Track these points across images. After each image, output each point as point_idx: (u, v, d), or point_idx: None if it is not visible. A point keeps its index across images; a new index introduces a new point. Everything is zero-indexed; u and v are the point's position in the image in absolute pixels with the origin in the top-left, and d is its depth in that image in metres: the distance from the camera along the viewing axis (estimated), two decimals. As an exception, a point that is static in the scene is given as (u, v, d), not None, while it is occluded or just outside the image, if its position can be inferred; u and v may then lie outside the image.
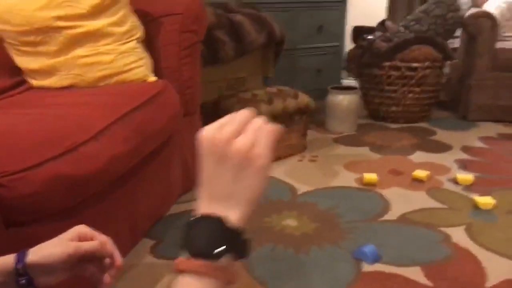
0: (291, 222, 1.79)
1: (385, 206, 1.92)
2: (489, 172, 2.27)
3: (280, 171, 2.27)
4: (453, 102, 3.34)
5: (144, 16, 1.83)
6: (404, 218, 1.82)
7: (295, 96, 2.42)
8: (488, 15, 2.97)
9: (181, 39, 1.81)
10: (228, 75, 2.54)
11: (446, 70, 3.69)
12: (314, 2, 3.08)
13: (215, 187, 0.53)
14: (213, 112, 2.23)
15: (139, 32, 1.75)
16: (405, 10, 3.53)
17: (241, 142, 0.52)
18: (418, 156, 2.48)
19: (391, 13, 3.57)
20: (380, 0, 3.90)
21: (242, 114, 0.55)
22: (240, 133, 0.52)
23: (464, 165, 2.35)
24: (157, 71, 1.79)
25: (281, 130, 0.55)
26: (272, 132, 0.54)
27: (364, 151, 2.57)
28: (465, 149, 2.59)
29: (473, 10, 3.05)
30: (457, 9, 2.97)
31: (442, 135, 2.84)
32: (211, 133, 0.52)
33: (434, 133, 2.88)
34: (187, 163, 1.92)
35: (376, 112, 3.10)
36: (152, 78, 1.74)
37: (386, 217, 1.83)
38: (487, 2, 3.40)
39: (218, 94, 2.44)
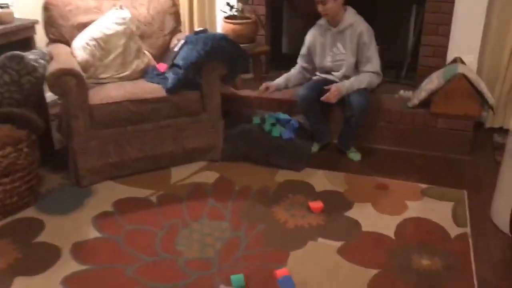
0: None
1: None
2: (100, 293, 1.96)
3: None
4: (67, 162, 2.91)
5: None
6: None
7: None
8: (70, 72, 2.55)
9: None
10: None
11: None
12: None
13: None
14: None
15: None
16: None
17: None
18: (16, 292, 1.98)
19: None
20: None
21: None
22: None
23: (71, 291, 1.98)
24: None
25: None
26: None
27: None
28: (76, 250, 2.22)
29: (54, 67, 2.57)
30: (31, 70, 2.45)
31: (51, 227, 2.38)
32: None
33: (41, 226, 2.39)
34: None
35: (-37, 214, 2.39)
36: None
37: None
38: (75, 41, 2.99)
39: None
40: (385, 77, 3.62)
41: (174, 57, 2.94)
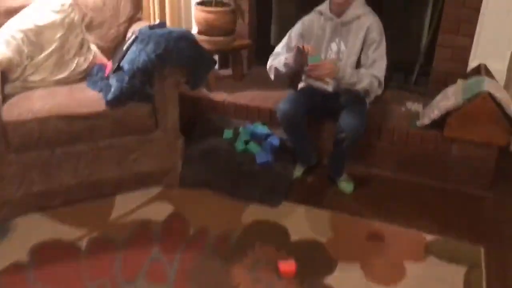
0: None
1: None
2: None
3: None
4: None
5: None
6: None
7: None
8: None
9: None
10: None
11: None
12: None
13: None
14: None
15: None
16: None
17: None
18: None
19: None
20: None
21: None
22: None
23: None
24: None
25: None
26: None
27: None
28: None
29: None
30: None
31: None
32: None
33: None
34: None
35: None
36: None
37: None
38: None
39: None
40: (391, 82, 3.01)
41: (121, 58, 2.31)
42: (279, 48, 2.49)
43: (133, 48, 2.26)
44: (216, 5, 2.83)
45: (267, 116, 2.77)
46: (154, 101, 2.28)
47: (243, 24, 3.09)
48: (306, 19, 2.41)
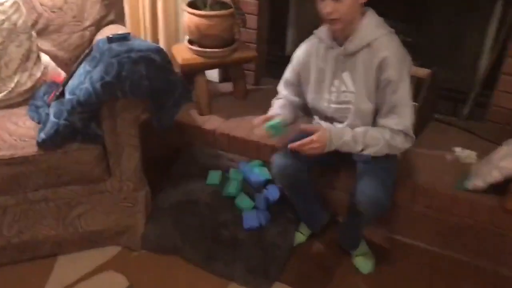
0: None
1: None
2: None
3: None
4: None
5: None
6: None
7: None
8: None
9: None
10: None
11: None
12: None
13: None
14: None
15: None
16: None
17: None
18: None
19: None
20: None
21: None
22: None
23: None
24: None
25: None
26: None
27: None
28: None
29: None
30: None
31: None
32: None
33: None
34: None
35: None
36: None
37: None
38: None
39: None
40: (437, 114, 2.32)
41: (67, 80, 1.73)
42: (281, 83, 1.86)
43: (81, 69, 1.66)
44: (212, 8, 2.18)
45: (269, 153, 2.14)
46: (105, 142, 1.69)
47: (251, 27, 2.45)
48: (301, 51, 1.72)
